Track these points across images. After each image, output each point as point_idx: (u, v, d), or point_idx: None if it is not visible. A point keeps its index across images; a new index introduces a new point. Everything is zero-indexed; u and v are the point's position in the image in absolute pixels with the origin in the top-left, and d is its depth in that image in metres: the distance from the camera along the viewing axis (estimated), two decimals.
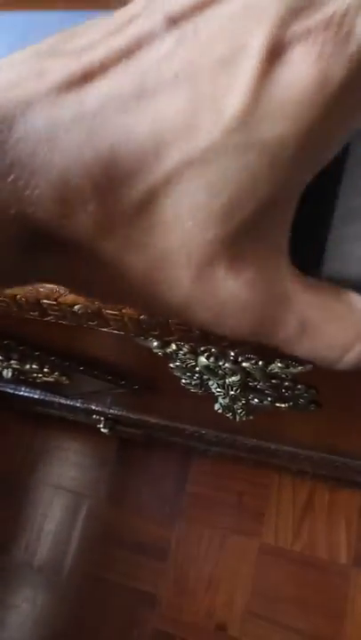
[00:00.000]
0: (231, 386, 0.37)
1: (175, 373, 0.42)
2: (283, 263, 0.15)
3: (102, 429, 0.79)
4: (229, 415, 0.44)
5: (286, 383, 0.39)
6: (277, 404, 0.44)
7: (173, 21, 0.13)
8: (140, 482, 0.96)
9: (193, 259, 0.13)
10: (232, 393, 0.38)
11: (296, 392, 0.40)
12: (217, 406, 0.43)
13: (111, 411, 0.76)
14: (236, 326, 0.15)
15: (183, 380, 0.44)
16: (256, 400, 0.44)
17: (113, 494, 0.97)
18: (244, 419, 0.44)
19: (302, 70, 0.12)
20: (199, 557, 0.89)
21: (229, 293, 0.14)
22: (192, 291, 0.14)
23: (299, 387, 0.39)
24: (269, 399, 0.43)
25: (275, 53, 0.12)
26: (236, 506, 0.89)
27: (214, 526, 0.90)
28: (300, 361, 0.31)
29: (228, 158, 0.13)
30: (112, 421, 0.79)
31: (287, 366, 0.32)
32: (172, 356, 0.36)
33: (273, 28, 0.12)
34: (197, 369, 0.36)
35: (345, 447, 0.57)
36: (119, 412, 0.76)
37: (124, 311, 0.29)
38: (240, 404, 0.41)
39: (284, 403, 0.43)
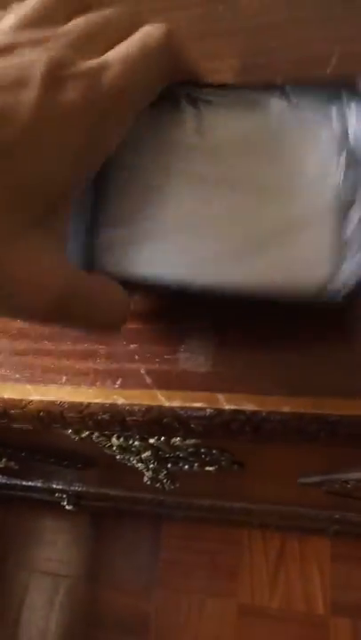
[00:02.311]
0: (148, 460, 0.40)
1: (106, 452, 0.45)
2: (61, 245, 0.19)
3: (67, 506, 0.80)
4: (158, 485, 0.47)
5: (202, 450, 0.42)
6: (205, 468, 0.47)
7: None
8: (114, 554, 0.96)
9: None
10: (151, 466, 0.41)
11: (214, 456, 0.43)
12: (145, 479, 0.46)
13: (72, 487, 0.78)
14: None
15: (118, 457, 0.47)
16: (186, 467, 0.47)
17: (89, 571, 0.96)
18: (171, 487, 0.47)
19: (73, 96, 0.17)
20: (179, 627, 0.87)
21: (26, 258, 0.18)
22: None
23: (214, 451, 0.42)
24: (196, 465, 0.46)
25: (55, 82, 0.17)
26: (210, 567, 0.89)
27: (191, 591, 0.89)
28: (192, 435, 0.34)
29: (23, 154, 0.17)
30: (75, 497, 0.80)
31: (184, 439, 0.35)
32: (88, 440, 0.39)
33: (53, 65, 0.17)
34: (114, 448, 0.40)
35: (284, 498, 0.59)
36: (80, 488, 0.77)
37: (25, 409, 0.32)
38: (163, 474, 0.44)
39: (210, 466, 0.46)
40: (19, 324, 0.34)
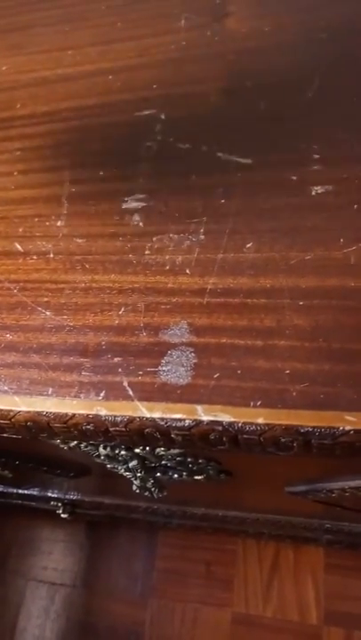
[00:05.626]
0: (135, 469, 0.41)
1: (96, 461, 0.46)
2: None
3: (62, 514, 0.81)
4: (146, 493, 0.48)
5: (189, 459, 0.43)
6: (194, 477, 0.48)
7: None
8: (110, 563, 0.96)
9: None
10: (139, 475, 0.42)
11: (201, 465, 0.44)
12: (134, 487, 0.47)
13: (68, 496, 0.79)
14: None
15: (108, 466, 0.48)
16: (175, 476, 0.48)
17: (85, 579, 0.97)
18: (160, 495, 0.48)
19: None
20: (174, 635, 0.88)
21: None
22: None
23: (200, 461, 0.43)
24: (184, 474, 0.47)
25: None
26: (205, 576, 0.90)
27: (186, 600, 0.89)
28: (174, 445, 0.35)
29: None
30: (71, 506, 0.81)
31: (168, 449, 0.36)
32: (76, 450, 0.40)
33: None
34: (102, 458, 0.41)
35: (275, 507, 0.60)
36: (75, 497, 0.78)
37: (13, 420, 0.33)
38: (150, 482, 0.45)
39: (198, 475, 0.47)
40: (7, 337, 0.35)
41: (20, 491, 0.80)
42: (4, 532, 1.03)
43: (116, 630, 0.91)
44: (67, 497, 0.79)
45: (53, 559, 1.00)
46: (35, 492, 0.80)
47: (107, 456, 0.40)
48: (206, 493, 0.59)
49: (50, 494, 0.79)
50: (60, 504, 0.80)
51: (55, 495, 0.78)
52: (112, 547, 0.97)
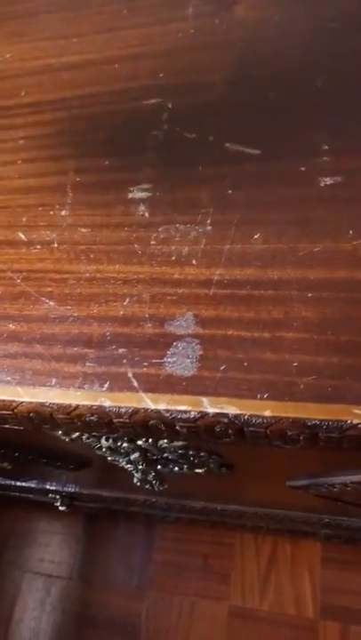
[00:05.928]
0: (136, 461, 0.41)
1: (97, 453, 0.46)
2: None
3: (60, 507, 0.81)
4: (147, 486, 0.48)
5: (191, 452, 0.43)
6: (195, 470, 0.48)
7: None
8: (108, 556, 0.96)
9: None
10: (140, 467, 0.42)
11: (202, 459, 0.44)
12: (135, 480, 0.47)
13: (66, 488, 0.78)
14: None
15: (108, 458, 0.48)
16: (176, 469, 0.47)
17: (82, 572, 0.97)
18: (160, 488, 0.48)
19: None
20: (170, 628, 0.88)
21: None
22: None
23: (202, 454, 0.43)
24: (185, 467, 0.47)
25: None
26: (203, 569, 0.90)
27: (183, 593, 0.89)
28: (178, 437, 0.35)
29: None
30: (69, 498, 0.80)
31: (172, 441, 0.36)
32: (78, 441, 0.40)
33: None
34: (104, 450, 0.40)
35: (275, 501, 0.60)
36: (73, 489, 0.78)
37: (16, 410, 0.33)
38: (151, 475, 0.45)
39: (199, 469, 0.47)
40: (10, 327, 0.34)
41: (19, 483, 0.80)
42: (1, 523, 1.03)
43: (113, 622, 0.92)
44: (65, 489, 0.78)
45: (50, 551, 1.00)
46: (33, 485, 0.80)
47: (108, 448, 0.39)
48: (206, 487, 0.59)
49: (48, 486, 0.79)
50: (58, 496, 0.80)
51: (53, 487, 0.78)
52: (110, 539, 0.97)
